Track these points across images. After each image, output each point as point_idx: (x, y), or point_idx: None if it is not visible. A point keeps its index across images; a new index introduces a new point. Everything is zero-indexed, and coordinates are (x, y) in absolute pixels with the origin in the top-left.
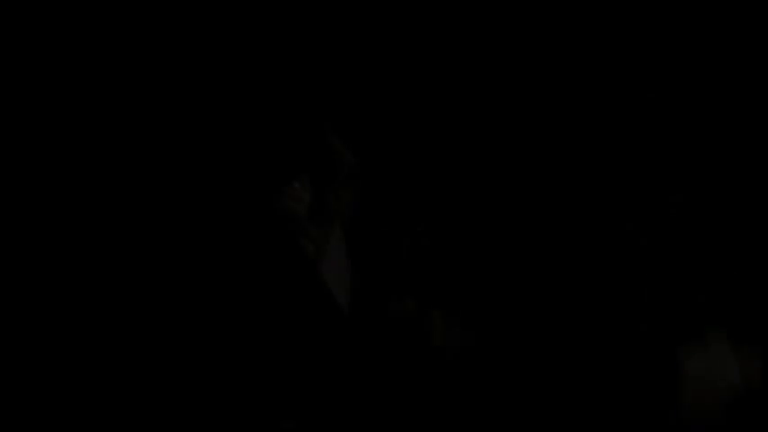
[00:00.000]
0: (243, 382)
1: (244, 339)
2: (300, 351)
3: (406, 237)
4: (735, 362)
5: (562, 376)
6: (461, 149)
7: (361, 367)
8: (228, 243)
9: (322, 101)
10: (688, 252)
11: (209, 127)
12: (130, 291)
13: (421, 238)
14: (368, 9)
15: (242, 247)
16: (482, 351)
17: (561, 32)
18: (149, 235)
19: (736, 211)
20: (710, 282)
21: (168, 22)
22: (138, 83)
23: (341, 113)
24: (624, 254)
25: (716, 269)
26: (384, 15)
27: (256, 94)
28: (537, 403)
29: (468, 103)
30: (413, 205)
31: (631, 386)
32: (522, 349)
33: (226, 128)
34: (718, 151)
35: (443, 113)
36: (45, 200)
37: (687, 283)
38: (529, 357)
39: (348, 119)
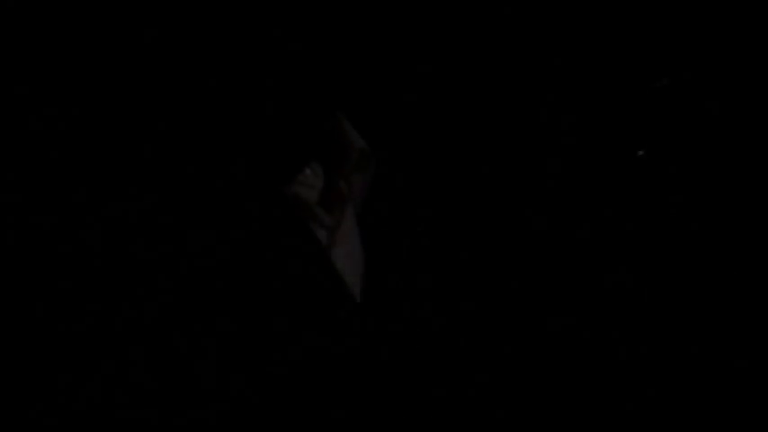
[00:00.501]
0: (251, 370)
1: (253, 326)
2: (311, 338)
3: (405, 237)
4: None
5: (562, 376)
6: (466, 143)
7: (371, 356)
8: (239, 230)
9: (334, 86)
10: (688, 251)
11: (218, 114)
12: (139, 277)
13: (421, 238)
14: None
15: (252, 233)
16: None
17: (560, 30)
18: (157, 223)
19: (737, 211)
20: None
21: (179, 11)
22: (148, 70)
23: (353, 99)
24: (624, 251)
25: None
26: (399, 6)
27: (267, 81)
28: (536, 403)
29: (473, 96)
30: (416, 203)
31: (631, 386)
32: (521, 349)
33: (235, 115)
34: (718, 151)
35: (454, 105)
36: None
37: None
38: (527, 357)
39: (361, 104)
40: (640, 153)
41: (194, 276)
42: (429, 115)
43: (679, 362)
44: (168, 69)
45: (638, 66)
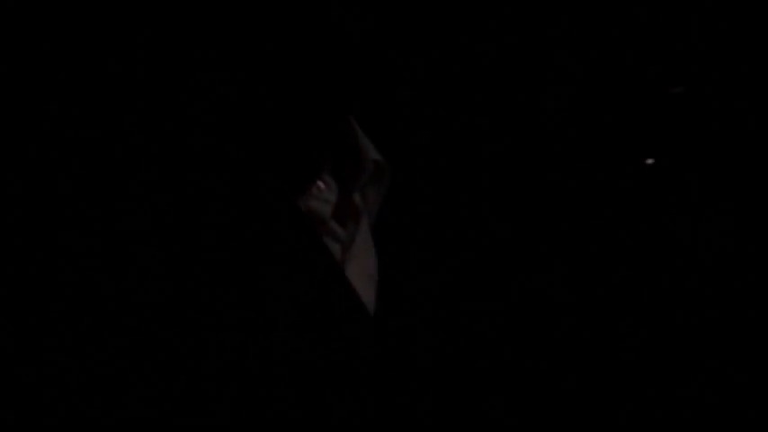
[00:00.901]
0: (261, 386)
1: (265, 341)
2: (324, 352)
3: (420, 250)
4: None
5: (561, 376)
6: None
7: (385, 370)
8: (250, 244)
9: (347, 96)
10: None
11: (227, 125)
12: (146, 287)
13: (436, 250)
14: (398, 3)
15: (264, 247)
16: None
17: (574, 37)
18: (166, 235)
19: (748, 221)
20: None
21: (188, 16)
22: (156, 74)
23: (367, 109)
24: (631, 260)
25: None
26: (416, 10)
27: (280, 91)
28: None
29: (491, 106)
30: (432, 215)
31: (631, 386)
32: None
33: (247, 126)
34: (729, 161)
35: (470, 110)
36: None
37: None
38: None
39: (375, 115)
40: (649, 162)
41: (204, 291)
42: (444, 125)
43: (679, 363)
44: (178, 77)
45: (652, 73)
